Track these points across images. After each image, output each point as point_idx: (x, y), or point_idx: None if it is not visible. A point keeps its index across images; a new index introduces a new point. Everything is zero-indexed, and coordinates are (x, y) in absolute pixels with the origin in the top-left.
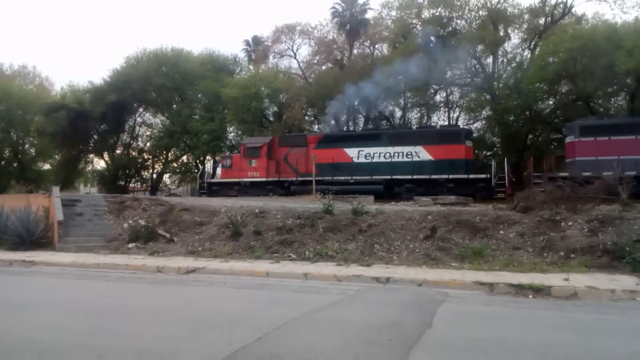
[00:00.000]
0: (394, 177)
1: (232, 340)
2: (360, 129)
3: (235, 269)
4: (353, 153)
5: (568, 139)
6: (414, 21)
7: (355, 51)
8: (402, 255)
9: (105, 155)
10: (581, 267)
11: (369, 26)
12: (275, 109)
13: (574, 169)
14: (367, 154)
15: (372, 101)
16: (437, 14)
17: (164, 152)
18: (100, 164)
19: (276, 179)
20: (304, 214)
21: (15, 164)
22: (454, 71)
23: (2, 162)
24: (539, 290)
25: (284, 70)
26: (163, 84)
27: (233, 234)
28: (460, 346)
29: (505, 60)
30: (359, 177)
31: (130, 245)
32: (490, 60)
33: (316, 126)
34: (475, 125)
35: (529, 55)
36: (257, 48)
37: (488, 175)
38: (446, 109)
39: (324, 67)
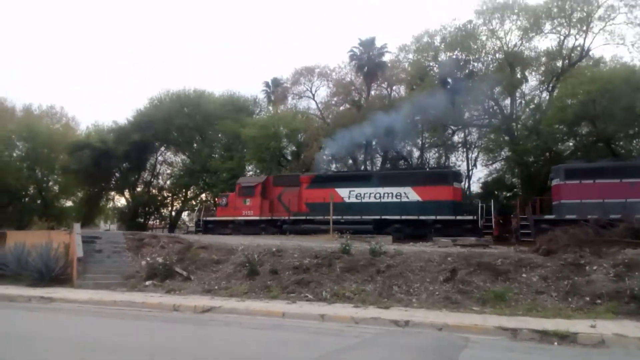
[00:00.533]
0: (383, 217)
1: None
2: (377, 168)
3: (252, 309)
4: (344, 193)
5: (554, 182)
6: (431, 63)
7: (372, 92)
8: (422, 297)
9: (126, 193)
10: (608, 313)
11: (387, 68)
12: (294, 148)
13: (559, 211)
14: (358, 194)
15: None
16: (454, 56)
17: (184, 190)
18: (120, 201)
19: (269, 217)
20: (321, 254)
21: (38, 201)
22: (471, 112)
23: (27, 199)
24: (565, 337)
25: (302, 111)
26: (185, 124)
27: (249, 273)
28: None
29: (523, 101)
30: (349, 217)
31: (147, 283)
32: (508, 101)
33: (334, 165)
34: (494, 165)
35: (547, 97)
36: (276, 89)
37: (475, 217)
38: (464, 150)
39: (341, 108)
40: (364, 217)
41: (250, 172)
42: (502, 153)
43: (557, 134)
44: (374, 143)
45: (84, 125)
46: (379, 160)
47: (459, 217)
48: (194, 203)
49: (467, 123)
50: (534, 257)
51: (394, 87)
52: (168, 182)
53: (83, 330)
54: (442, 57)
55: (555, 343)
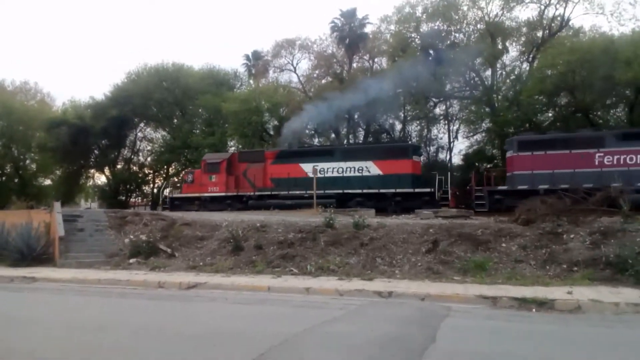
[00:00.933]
0: (345, 191)
1: (233, 357)
2: (359, 141)
3: (237, 284)
4: (308, 168)
5: (508, 154)
6: (413, 35)
7: (354, 65)
8: (404, 269)
9: (106, 170)
10: (584, 280)
11: (368, 40)
12: (276, 122)
13: (512, 182)
14: (322, 169)
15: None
16: (436, 27)
17: (165, 166)
18: (101, 179)
19: (235, 193)
20: (305, 228)
21: (16, 180)
22: (453, 84)
23: (3, 178)
24: (543, 304)
25: (284, 85)
26: (164, 98)
27: (234, 249)
28: None
29: (504, 72)
30: (320, 192)
31: (131, 261)
32: (489, 73)
33: (316, 139)
34: (475, 137)
35: (527, 68)
36: (257, 63)
37: (432, 189)
38: (446, 122)
39: (323, 81)
40: (326, 191)
41: (233, 148)
42: (483, 125)
43: (536, 105)
44: (356, 116)
45: (60, 102)
46: (361, 134)
47: (417, 190)
48: (176, 180)
49: (448, 95)
50: (513, 227)
51: (375, 59)
52: (149, 159)
53: (68, 310)
54: (424, 28)
55: (534, 310)
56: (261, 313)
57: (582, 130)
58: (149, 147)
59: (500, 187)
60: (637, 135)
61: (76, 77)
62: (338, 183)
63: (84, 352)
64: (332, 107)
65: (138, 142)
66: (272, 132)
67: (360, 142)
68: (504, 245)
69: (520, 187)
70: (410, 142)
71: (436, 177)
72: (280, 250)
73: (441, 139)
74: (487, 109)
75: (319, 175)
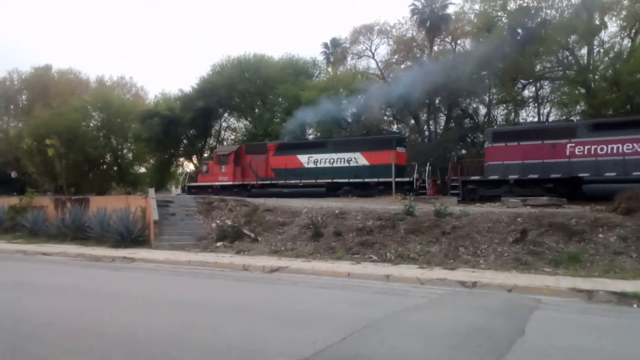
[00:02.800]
0: (335, 180)
1: (316, 339)
2: (440, 128)
3: (317, 269)
4: (304, 159)
5: (485, 145)
6: (499, 13)
7: (435, 48)
8: (490, 259)
9: (194, 159)
10: None
11: (450, 22)
12: (354, 110)
13: (486, 172)
14: (315, 160)
15: (452, 98)
16: (525, 4)
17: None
18: (189, 167)
19: (241, 182)
20: (384, 215)
21: (115, 168)
22: (544, 64)
23: (104, 167)
24: None
25: (362, 71)
26: (246, 89)
27: (314, 235)
28: (555, 355)
29: (601, 50)
30: (306, 181)
31: (218, 244)
32: (584, 51)
33: (395, 126)
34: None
35: (628, 44)
36: (335, 50)
37: (411, 179)
38: (535, 105)
39: (402, 66)
40: (318, 180)
41: (311, 136)
42: (578, 107)
43: (639, 84)
44: (437, 101)
45: (152, 95)
46: (442, 119)
47: (397, 179)
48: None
49: (538, 76)
50: (612, 216)
51: (458, 41)
52: None
53: (163, 288)
54: (511, 5)
55: (635, 305)
56: (342, 298)
57: (555, 121)
58: (232, 137)
59: (472, 177)
60: (608, 126)
61: (166, 71)
62: (329, 173)
63: (178, 327)
64: (410, 90)
65: (222, 132)
66: (350, 120)
67: (356, 134)
68: (601, 236)
69: (491, 177)
70: (394, 134)
71: (415, 167)
72: (359, 237)
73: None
74: (582, 90)
75: (312, 165)
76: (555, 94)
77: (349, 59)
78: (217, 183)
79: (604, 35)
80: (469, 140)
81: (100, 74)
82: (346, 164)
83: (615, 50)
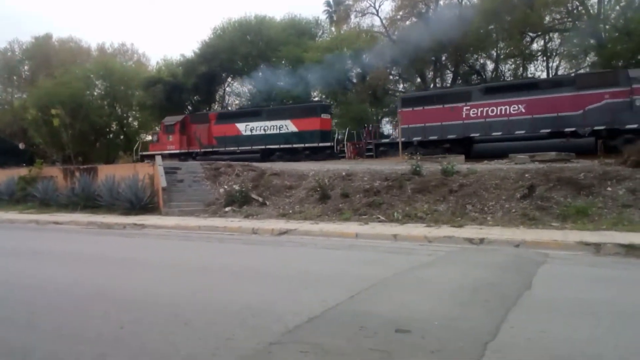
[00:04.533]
0: (267, 146)
1: (325, 298)
2: (447, 84)
3: (325, 231)
4: (242, 127)
5: (398, 110)
6: None
7: (441, 2)
8: (497, 215)
9: None
10: None
11: None
12: (359, 70)
13: (403, 134)
14: (251, 128)
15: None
16: None
17: None
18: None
19: (186, 150)
20: (391, 176)
21: (121, 137)
22: (553, 15)
23: (111, 135)
24: None
25: (366, 30)
26: (248, 52)
27: (321, 197)
28: (563, 308)
29: None
30: (243, 148)
31: (226, 209)
32: (594, 0)
33: (401, 85)
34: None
35: None
36: (338, 8)
37: (332, 144)
38: (544, 58)
39: (407, 23)
40: (253, 147)
41: (316, 98)
42: (587, 59)
43: None
44: (443, 58)
45: (154, 61)
46: (449, 76)
47: (320, 144)
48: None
49: (547, 28)
50: (620, 169)
51: None
52: None
53: (175, 253)
54: None
55: None
56: (350, 258)
57: (455, 86)
58: (237, 101)
59: (383, 140)
60: (497, 89)
61: (167, 37)
62: (263, 140)
63: (190, 290)
64: (416, 47)
65: (227, 97)
66: (355, 80)
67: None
68: (609, 189)
69: (395, 141)
70: (319, 102)
71: (336, 133)
72: (367, 198)
73: (538, 76)
74: (592, 41)
75: (249, 133)
76: (565, 46)
77: (352, 17)
78: (165, 151)
79: None
80: None
81: (101, 41)
82: (277, 131)
83: None
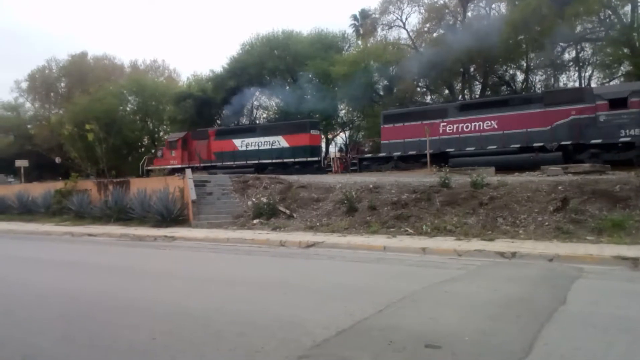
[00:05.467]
0: (261, 161)
1: (353, 312)
2: (475, 96)
3: (353, 243)
4: (238, 143)
5: (381, 125)
6: None
7: (469, 14)
8: (529, 229)
9: None
10: None
11: None
12: (386, 82)
13: (379, 150)
14: (247, 144)
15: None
16: None
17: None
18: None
19: (187, 165)
20: (419, 188)
21: (152, 150)
22: (584, 24)
23: (142, 149)
24: None
25: (393, 42)
26: (276, 66)
27: (349, 210)
28: (599, 324)
29: None
30: (239, 162)
31: (254, 221)
32: (628, 8)
33: (429, 97)
34: (612, 83)
35: None
36: (364, 22)
37: (319, 159)
38: (576, 68)
39: (435, 35)
40: (248, 162)
41: (343, 111)
42: (622, 69)
43: None
44: (472, 70)
45: (185, 77)
46: (478, 88)
47: (309, 159)
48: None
49: (579, 38)
50: None
51: (493, 6)
52: None
53: (204, 265)
54: None
55: None
56: (378, 271)
57: (433, 104)
58: (264, 115)
59: (366, 155)
60: (471, 106)
61: (197, 53)
62: (257, 155)
63: (220, 302)
64: (443, 59)
65: (254, 111)
66: (382, 93)
67: (276, 120)
68: None
69: (380, 155)
70: (309, 119)
71: (322, 149)
72: (394, 210)
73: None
74: (626, 50)
75: (245, 148)
76: (597, 56)
77: (379, 30)
78: (169, 166)
79: None
80: None
81: (134, 58)
82: (270, 147)
83: None
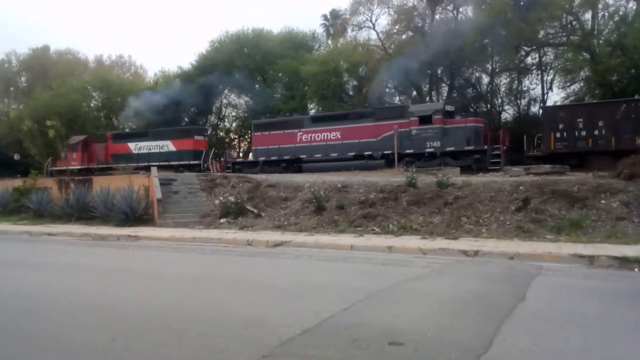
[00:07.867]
0: (150, 163)
1: (319, 310)
2: (443, 98)
3: (320, 242)
4: (132, 146)
5: (253, 133)
6: None
7: (437, 17)
8: (492, 228)
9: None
10: None
11: None
12: (355, 82)
13: (254, 155)
14: (140, 147)
15: (455, 68)
16: None
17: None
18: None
19: (87, 166)
20: (386, 188)
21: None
22: (547, 30)
23: None
24: None
25: (362, 43)
26: (245, 65)
27: (317, 209)
28: (556, 320)
29: (606, 14)
30: (134, 164)
31: (221, 221)
32: (589, 15)
33: (397, 98)
34: (572, 88)
35: (634, 7)
36: (335, 22)
37: (199, 162)
38: (539, 72)
39: (404, 36)
40: (139, 163)
41: (313, 110)
42: (582, 73)
43: None
44: (439, 72)
45: (152, 73)
46: (445, 89)
47: (191, 162)
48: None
49: (542, 42)
50: (614, 182)
51: (460, 9)
52: (234, 125)
53: (169, 264)
54: None
55: (637, 269)
56: (345, 270)
57: (295, 115)
58: (233, 113)
59: (237, 160)
60: (321, 119)
61: (165, 49)
62: (148, 157)
63: (183, 301)
64: (411, 60)
65: (223, 109)
66: (351, 93)
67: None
68: (603, 202)
69: (247, 160)
70: (194, 126)
71: (203, 152)
72: (362, 210)
73: (533, 89)
74: (586, 56)
75: (138, 151)
76: (559, 60)
77: (349, 30)
78: (70, 167)
79: None
80: (471, 110)
81: (99, 53)
82: (160, 150)
83: (620, 13)
